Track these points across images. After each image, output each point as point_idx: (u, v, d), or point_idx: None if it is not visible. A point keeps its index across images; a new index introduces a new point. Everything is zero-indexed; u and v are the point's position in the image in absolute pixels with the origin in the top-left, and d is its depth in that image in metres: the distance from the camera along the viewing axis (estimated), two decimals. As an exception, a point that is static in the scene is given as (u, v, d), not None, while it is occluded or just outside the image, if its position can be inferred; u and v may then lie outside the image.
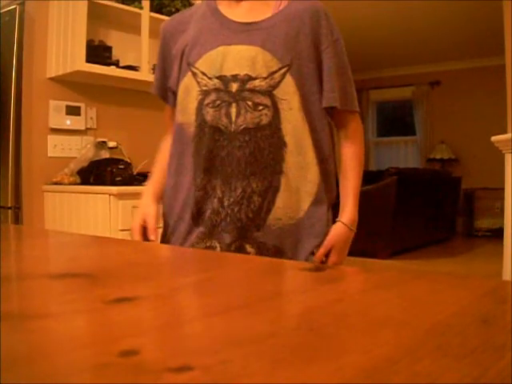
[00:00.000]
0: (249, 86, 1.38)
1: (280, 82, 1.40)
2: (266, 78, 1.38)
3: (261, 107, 1.38)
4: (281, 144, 1.40)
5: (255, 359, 0.29)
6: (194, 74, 1.41)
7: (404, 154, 10.40)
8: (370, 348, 0.30)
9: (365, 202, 6.49)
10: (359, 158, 1.60)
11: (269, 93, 1.38)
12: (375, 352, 0.30)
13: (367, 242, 6.55)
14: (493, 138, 3.24)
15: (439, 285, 0.51)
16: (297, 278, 0.56)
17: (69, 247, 0.83)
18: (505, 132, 3.25)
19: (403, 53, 9.15)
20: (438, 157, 9.56)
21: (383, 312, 0.40)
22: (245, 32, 1.41)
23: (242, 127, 1.37)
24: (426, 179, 7.48)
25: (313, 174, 1.44)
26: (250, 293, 0.48)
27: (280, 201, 1.40)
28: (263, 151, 1.38)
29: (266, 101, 1.38)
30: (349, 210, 1.53)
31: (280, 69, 1.40)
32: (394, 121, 10.61)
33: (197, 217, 1.40)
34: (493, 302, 0.45)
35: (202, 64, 1.40)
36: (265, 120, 1.39)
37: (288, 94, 1.40)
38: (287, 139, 1.40)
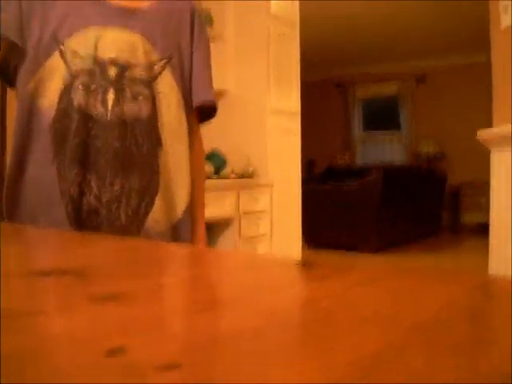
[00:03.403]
0: (128, 73, 1.26)
1: (159, 74, 1.30)
2: (146, 68, 1.28)
3: (140, 98, 1.26)
4: (157, 142, 1.30)
5: (243, 356, 0.28)
6: (63, 54, 1.25)
7: (390, 149, 10.47)
8: (359, 344, 0.30)
9: (351, 197, 6.53)
10: (204, 170, 1.52)
11: (149, 83, 1.28)
12: (363, 348, 0.30)
13: (353, 237, 6.58)
14: (478, 134, 3.26)
15: (426, 280, 0.51)
16: (284, 274, 0.56)
17: (55, 244, 0.83)
18: (490, 127, 3.26)
19: (389, 49, 9.20)
20: (423, 152, 9.63)
21: (371, 308, 0.40)
22: (122, 17, 1.30)
23: (119, 118, 1.24)
24: (411, 174, 7.53)
25: (185, 179, 1.37)
26: (237, 289, 0.48)
27: (159, 202, 1.30)
28: (141, 147, 1.27)
29: (146, 92, 1.28)
30: (199, 232, 1.46)
31: (159, 60, 1.31)
32: (380, 116, 10.66)
33: (75, 218, 1.25)
34: (481, 297, 0.45)
35: (72, 42, 1.25)
36: (144, 113, 1.27)
37: (166, 88, 1.32)
38: (163, 137, 1.31)
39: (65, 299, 0.42)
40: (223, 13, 4.83)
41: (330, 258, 5.91)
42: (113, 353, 0.28)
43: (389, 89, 10.26)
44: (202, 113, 1.49)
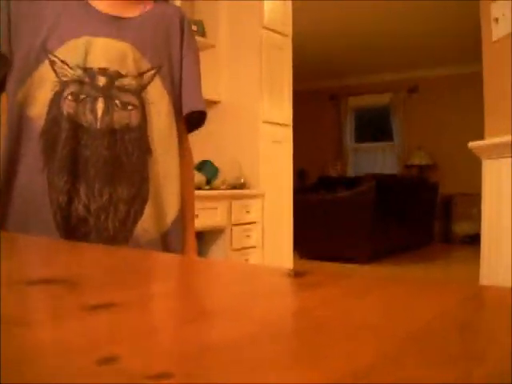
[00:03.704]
0: (118, 83, 1.26)
1: (149, 83, 1.31)
2: (136, 77, 1.28)
3: (130, 107, 1.27)
4: (147, 150, 1.31)
5: (235, 365, 0.28)
6: (53, 63, 1.25)
7: (382, 160, 10.48)
8: (351, 354, 0.30)
9: (343, 207, 6.52)
10: (193, 178, 1.56)
11: (138, 92, 1.29)
12: (356, 358, 0.29)
13: (346, 247, 6.58)
14: (470, 144, 3.27)
15: (418, 290, 0.51)
16: (276, 283, 0.56)
17: (45, 253, 0.82)
18: (482, 138, 3.28)
19: (381, 59, 9.23)
20: (415, 162, 9.65)
21: (363, 317, 0.40)
22: (113, 26, 1.30)
23: (109, 127, 1.24)
24: (404, 185, 7.54)
25: (175, 186, 1.37)
26: (230, 297, 0.48)
27: (149, 209, 1.31)
28: (131, 156, 1.28)
29: (135, 101, 1.28)
30: (190, 241, 1.47)
31: (149, 70, 1.31)
32: (372, 127, 10.67)
33: (63, 227, 1.25)
34: (472, 307, 0.45)
35: (62, 52, 1.25)
36: (134, 121, 1.28)
37: (156, 97, 1.32)
38: (152, 146, 1.31)
39: (55, 308, 0.42)
40: (216, 23, 4.84)
41: (322, 268, 5.90)
42: (105, 361, 0.28)
43: (381, 99, 10.28)
44: (190, 122, 1.50)
